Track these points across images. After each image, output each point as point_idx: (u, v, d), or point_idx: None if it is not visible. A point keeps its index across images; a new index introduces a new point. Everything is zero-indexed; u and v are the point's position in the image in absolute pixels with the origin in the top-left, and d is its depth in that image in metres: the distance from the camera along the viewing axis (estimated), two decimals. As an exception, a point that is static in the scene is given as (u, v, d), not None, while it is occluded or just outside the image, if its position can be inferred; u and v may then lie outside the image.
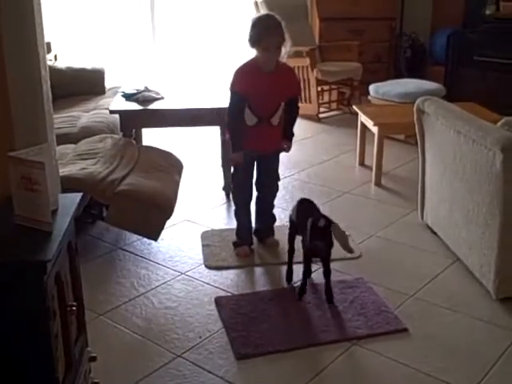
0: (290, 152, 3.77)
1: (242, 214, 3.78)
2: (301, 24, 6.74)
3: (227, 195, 4.55)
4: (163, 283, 3.41)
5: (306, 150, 5.64)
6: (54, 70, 4.50)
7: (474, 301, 3.22)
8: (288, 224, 3.47)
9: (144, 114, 4.47)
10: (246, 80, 3.47)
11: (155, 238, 3.58)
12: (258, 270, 3.57)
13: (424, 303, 3.21)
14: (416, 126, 3.94)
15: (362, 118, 5.19)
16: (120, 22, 6.73)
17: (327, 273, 3.19)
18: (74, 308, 2.10)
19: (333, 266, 3.27)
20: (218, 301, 3.22)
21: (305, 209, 3.25)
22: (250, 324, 3.02)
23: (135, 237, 3.86)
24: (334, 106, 7.11)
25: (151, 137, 5.40)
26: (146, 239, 3.80)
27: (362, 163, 5.31)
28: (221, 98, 4.31)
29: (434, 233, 3.91)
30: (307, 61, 6.49)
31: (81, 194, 2.29)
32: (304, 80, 6.57)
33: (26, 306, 1.85)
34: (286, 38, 3.39)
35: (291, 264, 3.40)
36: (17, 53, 2.20)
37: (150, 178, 3.74)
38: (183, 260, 3.67)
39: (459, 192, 3.46)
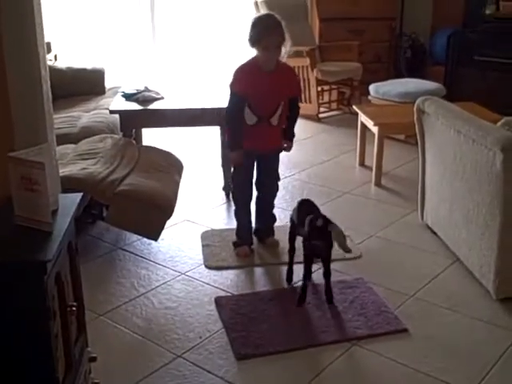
0: (290, 152, 3.77)
1: (242, 213, 3.78)
2: (301, 24, 6.74)
3: (227, 195, 4.55)
4: (163, 283, 3.41)
5: (306, 150, 5.64)
6: (54, 70, 4.50)
7: (473, 301, 3.22)
8: (288, 224, 3.47)
9: (144, 114, 4.47)
10: (245, 80, 3.48)
11: (155, 238, 3.58)
12: (258, 270, 3.57)
13: (424, 303, 3.21)
14: (416, 126, 3.94)
15: (362, 117, 5.19)
16: (120, 22, 6.73)
17: (327, 273, 3.19)
18: (74, 308, 2.10)
19: (333, 266, 3.27)
20: (218, 301, 3.22)
21: (305, 209, 3.25)
22: (250, 324, 3.01)
23: (135, 237, 3.86)
24: (334, 105, 7.11)
25: (151, 137, 5.40)
26: (146, 239, 3.80)
27: (362, 163, 5.31)
28: (221, 98, 4.31)
29: (434, 233, 3.91)
30: (307, 61, 6.49)
31: (81, 194, 2.29)
32: (304, 80, 6.56)
33: (26, 306, 1.85)
34: (286, 38, 3.39)
35: (292, 264, 3.40)
36: (17, 53, 2.20)
37: (150, 178, 3.74)
38: (183, 260, 3.67)
39: (459, 192, 3.46)
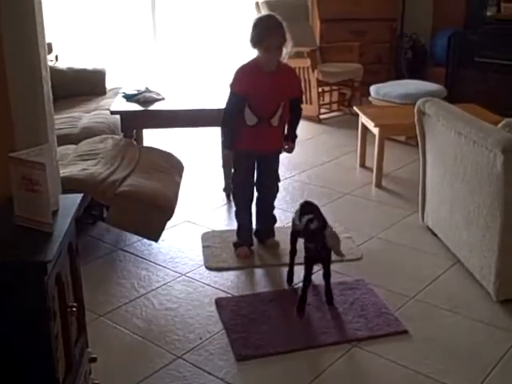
0: (291, 153, 3.76)
1: (242, 214, 3.78)
2: (302, 25, 6.74)
3: (228, 196, 4.55)
4: (163, 284, 3.41)
5: (307, 151, 5.64)
6: (54, 71, 4.50)
7: (474, 303, 3.22)
8: (289, 225, 3.47)
9: (145, 114, 4.47)
10: (246, 80, 3.48)
11: (156, 239, 3.58)
12: (259, 272, 3.57)
13: (424, 305, 3.21)
14: (417, 128, 3.94)
15: (363, 119, 5.18)
16: (121, 23, 6.74)
17: (327, 275, 3.19)
18: (75, 309, 2.10)
19: (333, 267, 3.27)
20: (219, 302, 3.22)
21: (307, 212, 3.24)
22: (251, 325, 3.01)
23: (136, 238, 3.86)
24: (334, 107, 7.11)
25: (152, 137, 5.40)
26: (146, 240, 3.80)
27: (362, 164, 5.31)
28: (222, 99, 4.30)
29: (435, 234, 3.91)
30: (308, 62, 6.48)
31: (81, 194, 2.29)
32: (305, 81, 6.56)
33: (26, 307, 1.85)
34: (287, 39, 3.40)
35: (292, 266, 3.40)
36: (17, 53, 2.20)
37: (150, 179, 3.74)
38: (184, 261, 3.67)
39: (460, 193, 3.46)
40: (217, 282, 3.44)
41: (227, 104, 3.54)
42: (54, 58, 5.73)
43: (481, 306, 3.18)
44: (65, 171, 3.45)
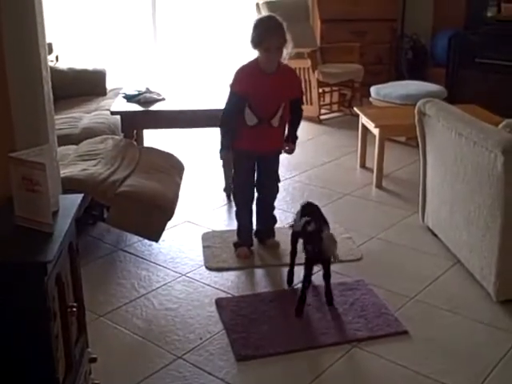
0: (291, 154, 3.76)
1: (242, 214, 3.78)
2: (302, 25, 6.74)
3: (228, 196, 4.55)
4: (164, 284, 3.41)
5: (307, 151, 5.64)
6: (55, 71, 4.51)
7: (474, 303, 3.22)
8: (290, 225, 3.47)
9: (145, 115, 4.47)
10: (246, 81, 3.48)
11: (156, 240, 3.58)
12: (259, 272, 3.57)
13: (424, 305, 3.21)
14: (417, 128, 3.94)
15: (363, 119, 5.19)
16: (121, 23, 6.73)
17: (327, 276, 3.19)
18: (75, 309, 2.10)
19: (333, 268, 3.27)
20: (219, 302, 3.22)
21: (308, 213, 3.24)
22: (251, 326, 3.01)
23: (136, 238, 3.86)
24: (335, 107, 7.11)
25: (152, 138, 5.40)
26: (146, 240, 3.80)
27: (363, 165, 5.31)
28: (222, 100, 4.31)
29: (435, 235, 3.91)
30: (308, 62, 6.48)
31: (81, 195, 2.29)
32: (305, 81, 6.56)
33: (26, 307, 1.85)
34: (287, 39, 3.40)
35: (293, 266, 3.39)
36: (18, 54, 2.20)
37: (151, 180, 3.74)
38: (184, 261, 3.67)
39: (460, 194, 3.46)
40: (217, 282, 3.44)
41: (227, 104, 3.54)
42: (54, 59, 5.73)
43: (481, 307, 3.19)
44: (65, 171, 3.45)
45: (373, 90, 6.17)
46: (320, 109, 6.74)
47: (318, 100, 6.69)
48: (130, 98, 4.60)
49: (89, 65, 5.67)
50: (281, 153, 3.71)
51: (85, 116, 4.78)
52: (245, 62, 3.54)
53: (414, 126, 3.95)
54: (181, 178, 4.08)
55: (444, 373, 2.69)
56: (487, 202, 3.15)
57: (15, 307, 1.85)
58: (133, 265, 3.63)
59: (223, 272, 3.54)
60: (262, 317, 3.09)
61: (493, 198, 3.10)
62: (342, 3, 7.19)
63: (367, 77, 6.85)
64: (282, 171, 3.86)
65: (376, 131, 4.84)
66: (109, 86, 5.58)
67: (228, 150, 3.58)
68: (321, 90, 6.77)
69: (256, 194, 3.77)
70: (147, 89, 4.73)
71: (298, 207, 3.38)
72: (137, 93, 4.64)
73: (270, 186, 3.77)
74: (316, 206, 3.31)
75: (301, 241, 3.26)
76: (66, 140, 4.07)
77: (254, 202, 3.79)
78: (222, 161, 4.20)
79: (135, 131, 4.80)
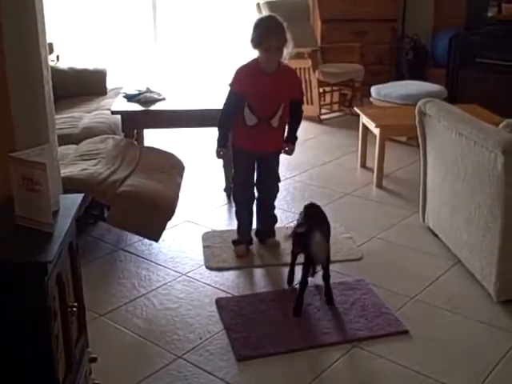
0: (291, 155, 3.76)
1: (242, 214, 3.79)
2: (303, 25, 6.74)
3: (228, 196, 4.55)
4: (164, 284, 3.42)
5: (308, 151, 5.64)
6: (55, 71, 4.51)
7: (474, 303, 3.22)
8: (290, 225, 3.47)
9: (146, 114, 4.48)
10: (246, 80, 3.48)
11: (156, 239, 3.58)
12: (259, 272, 3.57)
13: (425, 305, 3.21)
14: (418, 128, 3.94)
15: (364, 119, 5.19)
16: (122, 23, 6.74)
17: (326, 276, 3.19)
18: (75, 309, 2.10)
19: (334, 267, 3.27)
20: (219, 302, 3.22)
21: (310, 214, 3.23)
22: (251, 325, 3.01)
23: (136, 238, 3.86)
24: (335, 107, 7.11)
25: (153, 138, 5.40)
26: (147, 240, 3.80)
27: (363, 165, 5.31)
28: (222, 100, 4.31)
29: (436, 235, 3.91)
30: (309, 62, 6.48)
31: (82, 194, 2.29)
32: (306, 81, 6.55)
33: (26, 307, 1.85)
34: (287, 40, 3.40)
35: (293, 266, 3.39)
36: (18, 53, 2.20)
37: (151, 179, 3.74)
38: (184, 261, 3.67)
39: (460, 194, 3.46)
40: (217, 281, 3.44)
41: (225, 104, 3.55)
42: (55, 58, 5.73)
43: (481, 307, 3.18)
44: (65, 171, 3.45)
45: (373, 89, 6.17)
46: (320, 108, 6.74)
47: (319, 100, 6.69)
48: (130, 98, 4.60)
49: (89, 64, 5.68)
50: (281, 153, 3.71)
51: (85, 116, 4.78)
52: (245, 61, 3.54)
53: (415, 126, 3.95)
54: (181, 178, 4.08)
55: (444, 373, 2.69)
56: (487, 202, 3.15)
57: (15, 307, 1.85)
58: (133, 264, 3.63)
59: (223, 272, 3.54)
60: (262, 316, 3.09)
61: (493, 198, 3.10)
62: (342, 3, 7.19)
63: (368, 77, 6.85)
64: (282, 171, 3.86)
65: (376, 131, 4.84)
66: (109, 85, 5.58)
67: (224, 147, 3.58)
68: (321, 90, 6.77)
69: (256, 194, 3.78)
70: (148, 88, 4.73)
71: (298, 207, 3.38)
72: (137, 92, 4.64)
73: (270, 186, 3.77)
74: (319, 207, 3.29)
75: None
76: (66, 140, 4.07)
77: (255, 202, 3.80)
78: (221, 160, 4.20)
79: (135, 131, 4.80)
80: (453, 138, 3.47)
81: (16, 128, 2.24)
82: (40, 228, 1.96)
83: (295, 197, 4.59)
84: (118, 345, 2.89)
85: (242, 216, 3.78)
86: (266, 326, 3.01)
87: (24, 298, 1.84)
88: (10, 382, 1.91)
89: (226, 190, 4.62)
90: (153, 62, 6.93)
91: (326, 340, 2.91)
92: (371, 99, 6.21)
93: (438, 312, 3.15)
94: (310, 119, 6.53)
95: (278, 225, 3.90)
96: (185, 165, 4.27)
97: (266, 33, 3.37)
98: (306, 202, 3.36)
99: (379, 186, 4.85)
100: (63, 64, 5.67)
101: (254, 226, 3.86)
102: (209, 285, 3.41)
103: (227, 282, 3.44)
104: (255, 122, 3.51)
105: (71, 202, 2.19)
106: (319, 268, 3.21)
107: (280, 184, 3.84)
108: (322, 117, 6.77)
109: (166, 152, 4.31)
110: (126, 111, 4.45)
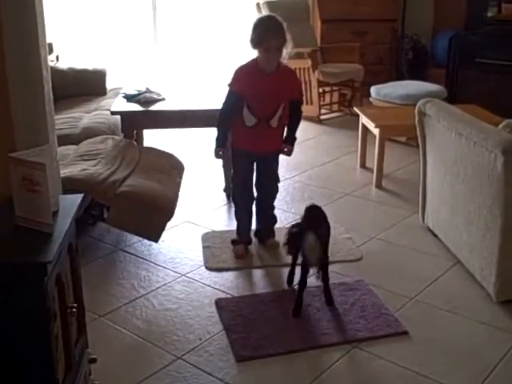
0: (292, 153, 3.76)
1: (241, 214, 3.79)
2: (302, 25, 6.74)
3: (228, 196, 4.55)
4: (163, 285, 3.41)
5: (307, 151, 5.64)
6: (55, 71, 4.51)
7: (474, 303, 3.22)
8: (290, 225, 3.46)
9: (145, 115, 4.47)
10: (245, 80, 3.48)
11: (156, 240, 3.58)
12: (258, 272, 3.57)
13: (424, 306, 3.21)
14: (417, 128, 3.93)
15: (364, 119, 5.18)
16: (122, 23, 6.74)
17: (325, 279, 3.19)
18: (75, 309, 2.10)
19: (333, 268, 3.27)
20: (219, 303, 3.22)
21: (310, 215, 3.22)
22: (250, 326, 3.01)
23: (136, 238, 3.86)
24: (335, 107, 7.11)
25: (152, 138, 5.40)
26: (146, 241, 3.80)
27: (363, 165, 5.31)
28: (222, 100, 4.31)
29: (435, 235, 3.91)
30: (309, 62, 6.48)
31: (81, 195, 2.29)
32: (305, 81, 6.56)
33: (26, 307, 1.85)
34: (287, 40, 3.40)
35: (294, 266, 3.38)
36: (18, 54, 2.20)
37: (151, 180, 3.74)
38: (184, 262, 3.67)
39: (460, 194, 3.46)
40: (217, 282, 3.44)
41: (224, 104, 3.55)
42: (54, 59, 5.73)
43: (481, 307, 3.18)
44: (65, 171, 3.44)
45: (373, 89, 6.17)
46: (320, 109, 6.74)
47: (318, 100, 6.69)
48: (130, 98, 4.60)
49: (89, 65, 5.67)
50: (280, 153, 3.70)
51: (85, 116, 4.78)
52: (244, 61, 3.54)
53: (414, 126, 3.95)
54: (181, 178, 4.08)
55: (444, 373, 2.69)
56: (487, 202, 3.15)
57: (15, 307, 1.85)
58: (133, 265, 3.63)
59: (223, 272, 3.54)
60: (262, 317, 3.09)
61: (493, 198, 3.10)
62: (342, 3, 7.19)
63: (367, 77, 6.85)
64: (282, 171, 3.86)
65: (376, 131, 4.84)
66: (109, 85, 5.58)
67: (223, 147, 3.58)
68: (321, 90, 6.77)
69: (256, 194, 3.78)
70: (147, 89, 4.73)
71: (297, 207, 3.38)
72: (137, 93, 4.64)
73: (269, 186, 3.77)
74: (320, 208, 3.28)
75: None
76: (66, 140, 4.07)
77: (254, 202, 3.79)
78: (221, 160, 4.20)
79: (135, 131, 4.80)
80: (452, 138, 3.47)
81: (16, 128, 2.24)
82: (40, 228, 1.96)
83: (295, 197, 4.59)
84: (117, 345, 2.89)
85: (242, 216, 3.78)
86: (265, 326, 3.01)
87: (23, 298, 1.84)
88: (9, 382, 1.90)
89: (225, 190, 4.62)
90: (152, 62, 6.93)
91: (326, 341, 2.91)
92: (371, 99, 6.21)
93: (438, 312, 3.15)
94: (310, 119, 6.53)
95: (277, 225, 3.89)
96: (184, 165, 4.27)
97: (266, 33, 3.37)
98: (307, 204, 3.35)
99: (379, 186, 4.85)
100: (63, 64, 5.67)
101: (254, 226, 3.86)
102: (208, 285, 3.41)
103: (227, 282, 3.44)
104: (254, 123, 3.51)
105: (71, 203, 2.18)
106: (312, 271, 3.18)
107: (280, 184, 3.84)
108: (322, 117, 6.77)
109: (165, 152, 4.31)
110: (126, 111, 4.45)
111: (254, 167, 3.71)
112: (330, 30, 7.19)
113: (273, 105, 3.51)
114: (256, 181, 3.74)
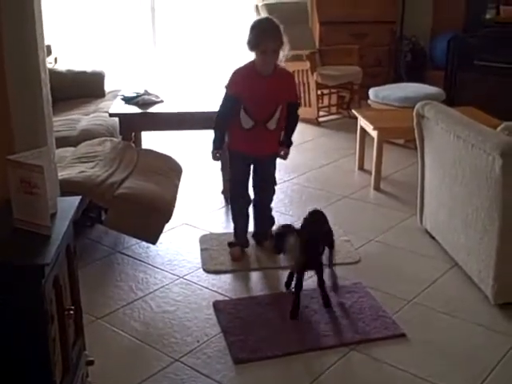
0: (290, 156, 3.75)
1: (238, 216, 3.79)
2: (301, 27, 6.75)
3: (226, 199, 4.54)
4: (161, 287, 3.41)
5: (306, 153, 5.64)
6: (53, 73, 4.50)
7: (472, 306, 3.22)
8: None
9: (143, 117, 4.47)
10: (242, 83, 3.48)
11: (154, 242, 3.58)
12: (256, 275, 3.57)
13: (422, 308, 3.21)
14: (415, 131, 3.94)
15: (362, 122, 5.19)
16: (120, 25, 6.74)
17: (321, 282, 3.18)
18: (72, 312, 2.10)
19: (331, 270, 3.26)
20: (216, 305, 3.21)
21: (311, 220, 3.22)
22: (248, 328, 3.01)
23: (134, 240, 3.85)
24: (333, 109, 7.11)
25: (150, 140, 5.40)
26: (144, 243, 3.79)
27: (361, 167, 5.31)
28: (220, 102, 4.31)
29: (433, 238, 3.91)
30: (307, 64, 6.48)
31: (79, 197, 2.29)
32: (304, 84, 6.56)
33: (24, 310, 1.85)
34: (284, 42, 3.40)
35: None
36: (17, 55, 2.20)
37: (149, 182, 3.74)
38: (181, 264, 3.67)
39: (458, 197, 3.46)
40: (214, 284, 3.44)
41: (221, 106, 3.55)
42: (53, 61, 5.73)
43: (479, 310, 3.19)
44: (63, 173, 3.45)
45: (371, 92, 6.18)
46: (318, 111, 6.74)
47: (317, 102, 6.69)
48: (128, 100, 4.60)
49: (87, 67, 5.67)
50: (277, 156, 3.70)
51: (83, 118, 4.78)
52: (242, 64, 3.54)
53: (413, 129, 3.95)
54: (179, 181, 4.08)
55: (442, 375, 2.69)
56: (485, 205, 3.16)
57: (12, 310, 1.85)
58: (130, 267, 3.63)
59: (221, 274, 3.54)
60: (260, 319, 3.09)
61: (491, 201, 3.10)
62: (341, 5, 7.19)
63: (366, 79, 6.86)
64: (280, 173, 3.86)
65: (374, 133, 4.84)
66: (107, 88, 5.58)
67: (220, 149, 3.58)
68: (319, 92, 6.78)
69: (253, 197, 3.78)
70: (145, 91, 4.73)
71: (295, 209, 3.39)
72: (135, 95, 4.64)
73: (266, 189, 3.77)
74: (322, 213, 3.27)
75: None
76: (64, 142, 4.06)
77: (251, 205, 3.79)
78: (219, 163, 4.20)
79: (133, 133, 4.79)
80: (451, 141, 3.47)
81: (14, 130, 2.24)
82: (38, 231, 1.96)
83: (293, 199, 4.59)
84: (115, 348, 2.89)
85: (238, 218, 3.78)
86: (263, 328, 3.01)
87: (21, 300, 1.84)
88: (6, 384, 1.91)
89: (223, 192, 4.62)
90: (151, 64, 6.93)
91: (324, 343, 2.91)
92: (369, 101, 6.22)
93: (436, 315, 3.15)
94: (308, 122, 6.53)
95: (275, 227, 3.89)
96: (182, 167, 4.27)
97: (263, 35, 3.37)
98: (310, 208, 3.33)
99: (377, 188, 4.85)
100: (61, 66, 5.67)
101: (251, 228, 3.86)
102: (206, 288, 3.41)
103: (224, 284, 3.44)
104: (251, 125, 3.51)
105: (69, 205, 2.19)
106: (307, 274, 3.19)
107: (278, 187, 3.84)
108: (320, 119, 6.77)
109: (163, 154, 4.31)
110: (124, 113, 4.45)
111: (251, 170, 3.71)
112: (329, 32, 7.19)
113: (270, 107, 3.51)
114: (253, 183, 3.74)
